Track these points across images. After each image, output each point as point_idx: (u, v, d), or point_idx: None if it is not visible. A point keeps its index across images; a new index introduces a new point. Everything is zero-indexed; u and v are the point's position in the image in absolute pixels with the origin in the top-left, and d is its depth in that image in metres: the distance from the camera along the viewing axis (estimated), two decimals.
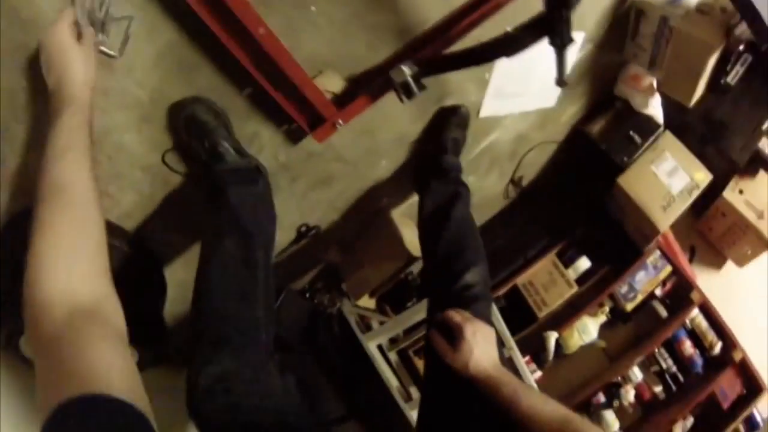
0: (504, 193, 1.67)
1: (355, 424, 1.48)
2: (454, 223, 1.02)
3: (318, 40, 0.88)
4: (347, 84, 0.94)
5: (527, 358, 1.62)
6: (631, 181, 1.52)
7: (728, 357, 1.60)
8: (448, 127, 1.14)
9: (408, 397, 1.45)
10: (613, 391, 1.59)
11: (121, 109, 0.84)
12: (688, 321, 1.64)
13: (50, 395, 0.38)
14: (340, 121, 0.89)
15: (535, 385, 1.53)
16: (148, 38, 0.78)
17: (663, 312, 1.66)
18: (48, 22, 0.68)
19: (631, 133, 1.55)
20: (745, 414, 1.59)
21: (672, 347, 1.63)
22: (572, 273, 1.67)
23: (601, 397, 1.59)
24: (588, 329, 1.61)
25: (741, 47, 1.15)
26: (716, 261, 1.95)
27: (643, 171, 1.53)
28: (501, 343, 1.37)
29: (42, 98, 0.74)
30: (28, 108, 0.76)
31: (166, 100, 0.86)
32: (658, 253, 1.66)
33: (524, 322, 1.65)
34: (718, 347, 1.62)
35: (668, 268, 1.65)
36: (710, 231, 1.89)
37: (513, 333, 1.45)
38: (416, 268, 1.44)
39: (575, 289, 1.64)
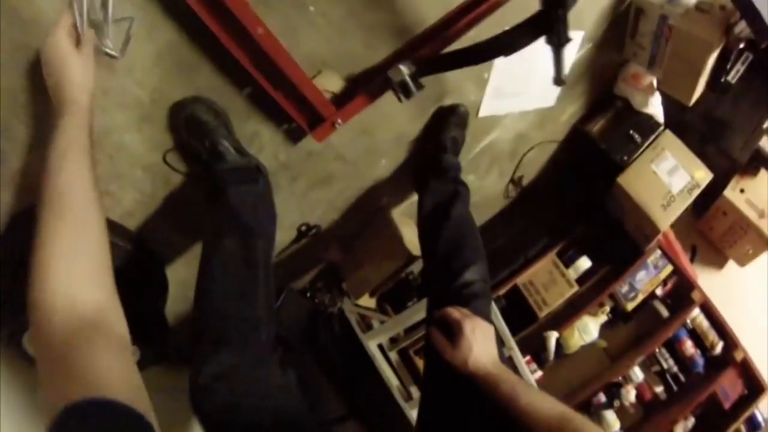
0: (504, 192, 1.67)
1: (356, 424, 1.48)
2: (454, 221, 1.02)
3: (316, 40, 0.89)
4: (346, 83, 0.95)
5: (528, 357, 1.62)
6: (631, 181, 1.52)
7: (729, 357, 1.59)
8: (447, 127, 1.15)
9: (408, 397, 1.45)
10: (613, 391, 1.58)
11: (122, 109, 0.84)
12: (689, 321, 1.63)
13: (54, 398, 0.40)
14: (339, 121, 0.90)
15: (535, 384, 1.53)
16: (148, 38, 0.79)
17: (664, 312, 1.66)
18: (48, 22, 0.69)
19: (631, 132, 1.55)
20: (746, 414, 1.58)
21: (673, 347, 1.63)
22: (573, 273, 1.67)
23: (602, 397, 1.58)
24: (589, 329, 1.61)
25: (741, 45, 1.15)
26: (717, 260, 1.94)
27: (643, 170, 1.53)
28: (500, 342, 1.37)
29: (43, 98, 0.75)
30: (30, 108, 0.77)
31: (166, 100, 0.87)
32: (658, 252, 1.66)
33: (525, 322, 1.65)
34: (719, 347, 1.62)
35: (669, 268, 1.65)
36: (711, 230, 1.89)
37: (513, 333, 1.45)
38: (417, 267, 1.45)
39: (576, 288, 1.64)
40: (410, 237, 1.26)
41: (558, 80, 0.85)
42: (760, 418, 1.63)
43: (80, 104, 0.63)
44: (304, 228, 1.28)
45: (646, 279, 1.63)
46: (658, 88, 1.49)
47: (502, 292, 1.67)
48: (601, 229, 1.69)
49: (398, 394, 1.42)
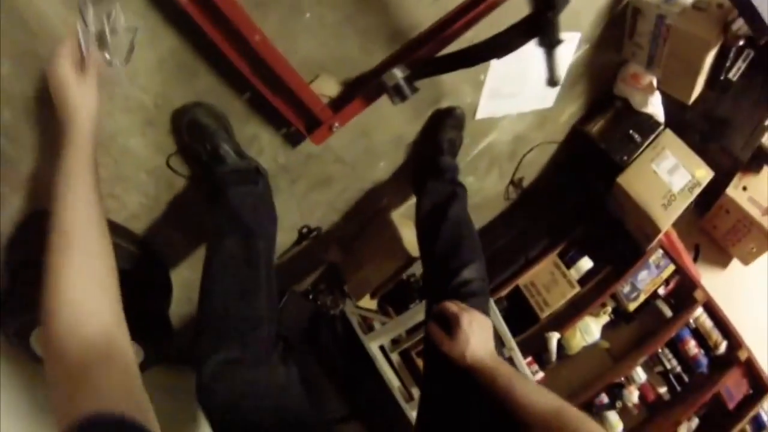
0: (504, 193, 1.68)
1: (357, 424, 1.49)
2: (451, 221, 1.03)
3: (313, 45, 0.91)
4: (343, 87, 0.97)
5: (529, 359, 1.61)
6: (631, 180, 1.52)
7: (733, 356, 1.58)
8: (443, 129, 1.16)
9: (409, 398, 1.45)
10: (615, 392, 1.57)
11: (126, 114, 0.87)
12: (692, 320, 1.62)
13: (66, 412, 0.44)
14: (337, 124, 0.91)
15: (533, 379, 1.53)
16: (150, 45, 0.81)
17: (667, 311, 1.65)
18: (55, 31, 0.72)
19: (631, 132, 1.55)
20: (751, 414, 1.56)
21: (676, 347, 1.62)
22: (574, 273, 1.66)
23: (604, 398, 1.58)
24: (590, 330, 1.60)
25: (741, 42, 1.14)
26: (721, 259, 1.93)
27: (644, 170, 1.53)
28: (499, 340, 1.37)
29: (51, 106, 0.78)
30: (38, 114, 0.80)
31: (169, 105, 0.89)
32: (660, 252, 1.65)
33: (526, 323, 1.65)
34: (723, 346, 1.60)
35: (671, 267, 1.64)
36: (714, 229, 1.88)
37: (515, 334, 1.45)
38: (418, 269, 1.45)
39: (577, 289, 1.64)
40: (409, 238, 1.27)
41: (552, 81, 0.86)
42: (765, 418, 1.61)
43: (82, 130, 0.64)
44: (305, 230, 1.29)
45: (648, 279, 1.63)
46: (658, 88, 1.49)
47: (503, 293, 1.67)
48: (603, 229, 1.68)
49: (399, 395, 1.42)
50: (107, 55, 0.77)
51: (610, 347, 1.66)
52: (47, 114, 0.80)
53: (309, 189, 1.19)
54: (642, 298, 1.62)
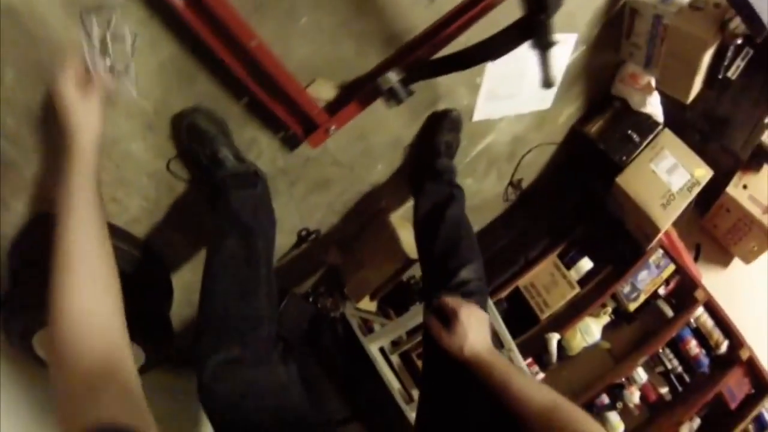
0: (504, 195, 1.68)
1: (358, 425, 1.49)
2: (449, 221, 1.04)
3: (309, 49, 0.92)
4: (340, 91, 0.98)
5: (530, 360, 1.61)
6: (630, 180, 1.52)
7: (735, 356, 1.57)
8: (440, 131, 1.17)
9: (410, 399, 1.46)
10: (616, 393, 1.57)
11: (128, 119, 0.88)
12: (692, 320, 1.62)
13: (71, 421, 0.46)
14: (333, 127, 0.93)
15: (530, 374, 1.53)
16: (151, 52, 0.83)
17: (668, 311, 1.64)
18: (58, 39, 0.73)
19: (630, 132, 1.55)
20: (754, 413, 1.55)
21: (677, 347, 1.61)
22: (574, 274, 1.66)
23: (605, 399, 1.57)
24: (591, 330, 1.60)
25: (739, 41, 1.14)
26: (723, 259, 1.92)
27: (642, 169, 1.53)
28: (497, 341, 1.38)
29: (54, 114, 0.79)
30: (41, 120, 0.81)
31: (169, 110, 0.91)
32: (660, 251, 1.65)
33: (526, 324, 1.65)
34: (724, 346, 1.59)
35: (671, 267, 1.63)
36: (715, 228, 1.87)
37: (515, 335, 1.45)
38: (418, 272, 1.46)
39: (577, 290, 1.63)
40: (408, 240, 1.28)
41: (546, 83, 0.87)
42: None
43: (85, 151, 0.66)
44: (304, 233, 1.31)
45: (648, 279, 1.62)
46: (656, 88, 1.49)
47: (503, 294, 1.67)
48: (602, 229, 1.68)
49: (399, 396, 1.43)
50: (108, 62, 0.79)
51: (611, 348, 1.66)
52: (49, 120, 0.81)
53: (308, 191, 1.20)
54: (642, 298, 1.62)
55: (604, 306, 1.63)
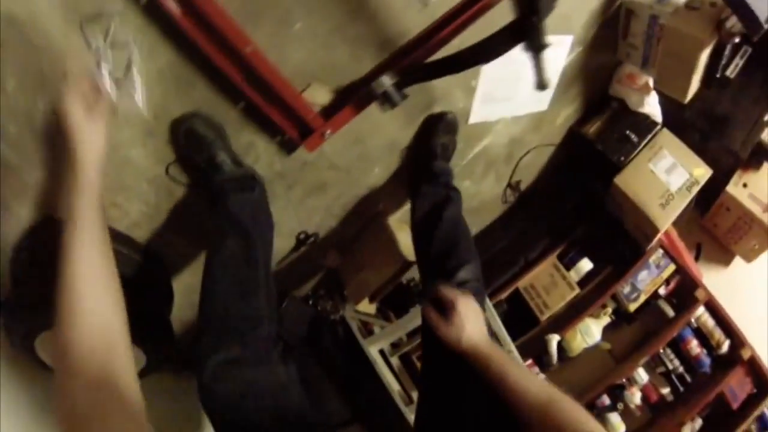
0: (502, 197, 1.69)
1: (357, 427, 1.50)
2: (446, 222, 1.04)
3: (304, 54, 0.93)
4: (335, 95, 0.99)
5: (530, 361, 1.61)
6: (629, 181, 1.52)
7: (737, 355, 1.56)
8: (436, 134, 1.17)
9: (409, 401, 1.46)
10: (616, 393, 1.56)
11: (128, 126, 0.90)
12: (693, 320, 1.61)
13: None
14: (329, 132, 0.94)
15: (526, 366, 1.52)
16: (150, 59, 0.84)
17: (669, 311, 1.64)
18: (58, 47, 0.75)
19: (628, 132, 1.55)
20: (756, 413, 1.54)
21: (678, 347, 1.60)
22: (574, 275, 1.66)
23: (606, 400, 1.57)
24: (591, 331, 1.60)
25: (737, 39, 1.14)
26: (724, 258, 1.92)
27: (641, 170, 1.53)
28: (496, 340, 1.37)
29: (54, 119, 0.81)
30: (43, 127, 0.83)
31: (167, 116, 0.92)
32: (660, 251, 1.64)
33: (526, 326, 1.65)
34: (725, 346, 1.59)
35: (671, 267, 1.63)
36: (716, 227, 1.87)
37: (515, 337, 1.45)
38: (418, 274, 1.46)
39: (577, 291, 1.63)
40: (406, 242, 1.28)
41: (540, 85, 0.87)
42: None
43: (89, 169, 0.66)
44: (302, 236, 1.31)
45: (648, 279, 1.62)
46: (654, 88, 1.49)
47: (503, 296, 1.66)
48: (602, 229, 1.68)
49: (399, 398, 1.43)
50: (107, 71, 0.80)
51: (612, 348, 1.65)
52: (50, 128, 0.83)
53: (305, 195, 1.21)
54: (642, 298, 1.61)
55: (604, 307, 1.63)
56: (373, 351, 1.47)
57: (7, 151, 0.82)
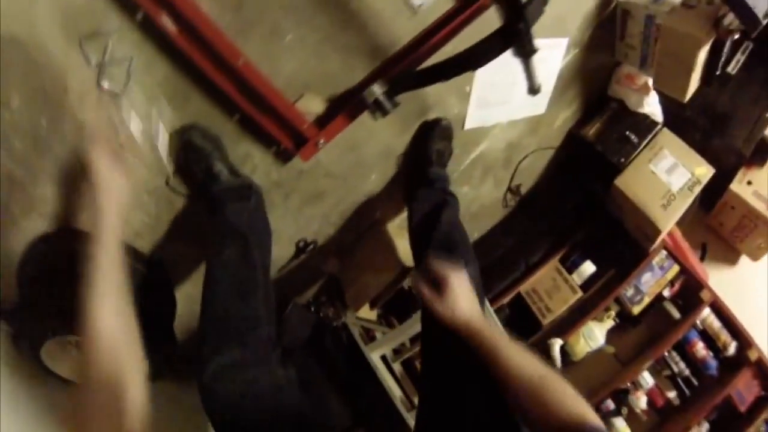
0: (503, 201, 1.68)
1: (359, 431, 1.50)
2: (444, 225, 1.04)
3: (296, 65, 0.94)
4: (328, 104, 1.00)
5: None
6: (629, 182, 1.51)
7: (744, 357, 1.53)
8: (431, 140, 1.18)
9: (411, 407, 1.46)
10: (621, 398, 1.54)
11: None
12: (699, 321, 1.59)
13: None
14: (322, 141, 0.95)
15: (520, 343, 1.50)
16: (147, 73, 0.86)
17: (675, 313, 1.62)
18: (59, 65, 0.77)
19: (628, 133, 1.54)
20: (764, 416, 1.51)
21: (683, 350, 1.58)
22: (577, 278, 1.65)
23: (610, 404, 1.55)
24: (594, 335, 1.58)
25: (736, 36, 1.12)
26: (730, 257, 1.89)
27: (641, 170, 1.52)
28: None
29: (57, 136, 0.84)
30: (48, 143, 0.85)
31: (165, 128, 0.94)
32: (664, 252, 1.62)
33: (529, 331, 1.64)
34: (732, 347, 1.56)
35: (675, 268, 1.61)
36: (721, 226, 1.84)
37: None
38: None
39: (579, 294, 1.62)
40: (404, 248, 1.29)
41: (532, 89, 0.88)
42: None
43: (110, 218, 0.69)
44: (301, 244, 1.33)
45: (652, 281, 1.60)
46: (654, 87, 1.48)
47: (505, 300, 1.66)
48: (604, 232, 1.67)
49: (401, 404, 1.43)
50: (106, 85, 0.83)
51: (617, 352, 1.63)
52: (54, 144, 0.85)
53: (303, 203, 1.22)
54: (646, 300, 1.59)
55: (607, 310, 1.61)
56: (374, 357, 1.47)
57: (13, 166, 0.85)
